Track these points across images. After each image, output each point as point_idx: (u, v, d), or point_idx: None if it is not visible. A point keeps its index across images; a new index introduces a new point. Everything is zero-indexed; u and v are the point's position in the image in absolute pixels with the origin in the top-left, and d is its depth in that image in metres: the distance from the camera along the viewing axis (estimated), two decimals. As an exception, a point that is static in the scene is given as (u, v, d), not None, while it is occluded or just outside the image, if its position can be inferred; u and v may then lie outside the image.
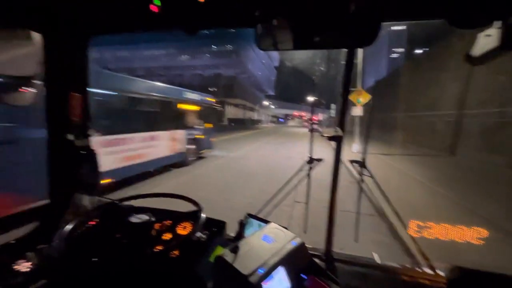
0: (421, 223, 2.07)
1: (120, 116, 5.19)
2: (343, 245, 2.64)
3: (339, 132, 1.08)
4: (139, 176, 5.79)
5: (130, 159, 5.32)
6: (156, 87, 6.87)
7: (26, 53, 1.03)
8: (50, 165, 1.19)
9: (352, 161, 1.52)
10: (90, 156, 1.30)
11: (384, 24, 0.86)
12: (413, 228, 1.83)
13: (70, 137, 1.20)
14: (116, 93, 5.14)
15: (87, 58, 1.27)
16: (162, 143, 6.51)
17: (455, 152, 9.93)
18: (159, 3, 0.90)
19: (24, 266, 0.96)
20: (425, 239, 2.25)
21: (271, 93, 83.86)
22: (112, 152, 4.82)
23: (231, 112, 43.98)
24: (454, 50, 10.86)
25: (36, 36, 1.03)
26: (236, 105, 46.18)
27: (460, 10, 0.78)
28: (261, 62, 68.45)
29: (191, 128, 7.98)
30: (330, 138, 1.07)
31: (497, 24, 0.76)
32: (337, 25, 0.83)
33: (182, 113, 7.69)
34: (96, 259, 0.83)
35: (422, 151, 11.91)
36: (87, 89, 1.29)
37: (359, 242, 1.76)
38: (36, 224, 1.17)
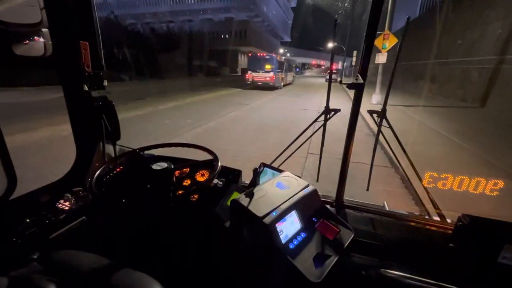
0: (435, 175, 2.04)
1: (284, 67, 22.70)
2: (354, 194, 2.75)
3: (360, 80, 0.99)
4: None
5: (286, 79, 24.00)
6: (291, 59, 37.39)
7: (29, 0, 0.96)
8: (70, 116, 1.23)
9: (370, 111, 1.45)
10: (107, 107, 1.32)
11: None
12: (426, 179, 1.82)
13: (86, 88, 1.21)
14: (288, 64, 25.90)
15: (91, 3, 1.18)
16: (290, 76, 25.77)
17: (485, 104, 9.20)
18: None
19: (65, 205, 1.09)
20: (437, 189, 2.27)
21: (287, 39, 77.50)
22: (286, 76, 23.65)
23: (244, 61, 42.02)
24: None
25: None
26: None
27: None
28: (277, 3, 61.55)
29: (292, 72, 28.23)
30: (350, 86, 0.99)
31: None
32: None
33: (292, 67, 28.46)
34: (124, 200, 0.91)
35: (448, 102, 11.13)
36: (96, 37, 1.24)
37: (370, 191, 1.80)
38: (68, 169, 1.28)
